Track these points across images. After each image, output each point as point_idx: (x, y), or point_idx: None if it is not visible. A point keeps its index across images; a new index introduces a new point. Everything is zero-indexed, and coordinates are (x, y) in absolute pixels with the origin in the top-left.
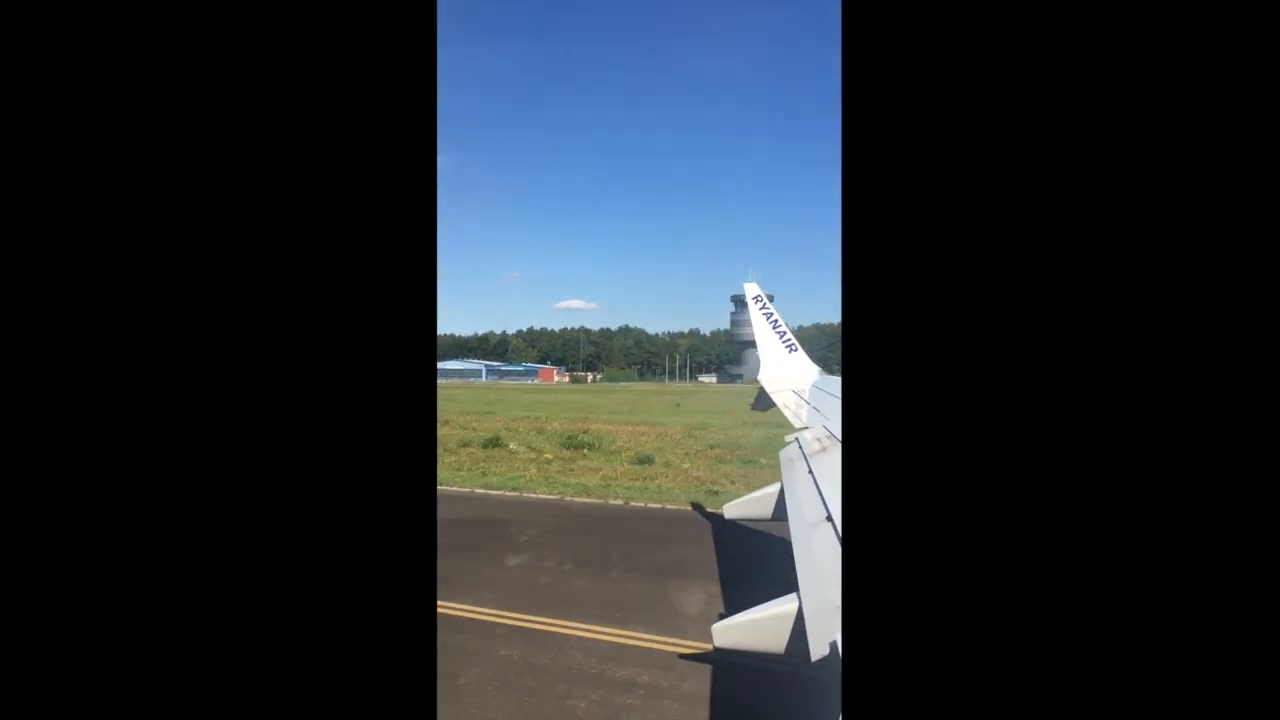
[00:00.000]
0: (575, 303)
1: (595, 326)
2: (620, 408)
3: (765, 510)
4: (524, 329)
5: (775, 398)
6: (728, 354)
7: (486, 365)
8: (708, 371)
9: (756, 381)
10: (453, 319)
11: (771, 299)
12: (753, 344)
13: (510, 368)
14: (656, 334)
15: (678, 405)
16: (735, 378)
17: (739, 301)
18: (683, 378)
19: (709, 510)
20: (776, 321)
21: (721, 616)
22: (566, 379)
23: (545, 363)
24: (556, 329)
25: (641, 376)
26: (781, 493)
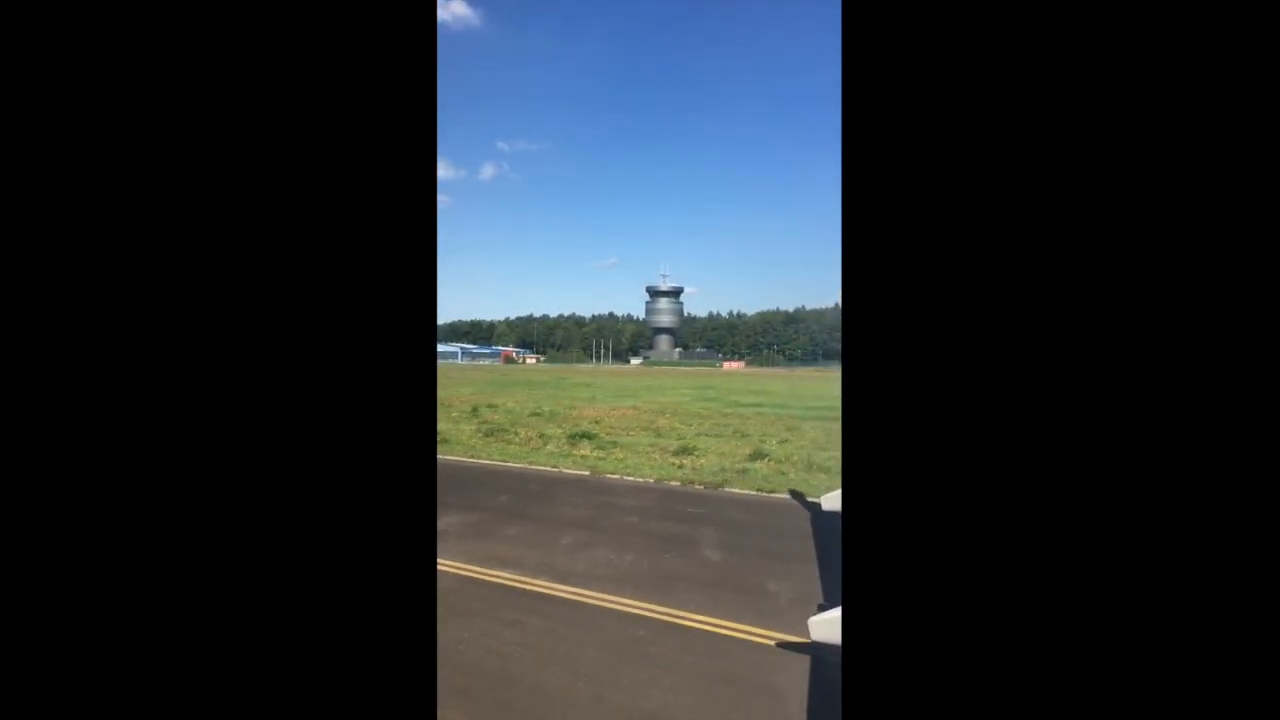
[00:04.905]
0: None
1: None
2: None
3: None
4: (515, 316)
5: None
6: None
7: (462, 348)
8: (637, 354)
9: (664, 364)
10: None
11: None
12: (663, 330)
13: (481, 350)
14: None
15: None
16: (646, 359)
17: (652, 291)
18: (621, 361)
19: (809, 499)
20: None
21: (821, 608)
22: (532, 361)
23: (524, 347)
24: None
25: (593, 360)
26: None
